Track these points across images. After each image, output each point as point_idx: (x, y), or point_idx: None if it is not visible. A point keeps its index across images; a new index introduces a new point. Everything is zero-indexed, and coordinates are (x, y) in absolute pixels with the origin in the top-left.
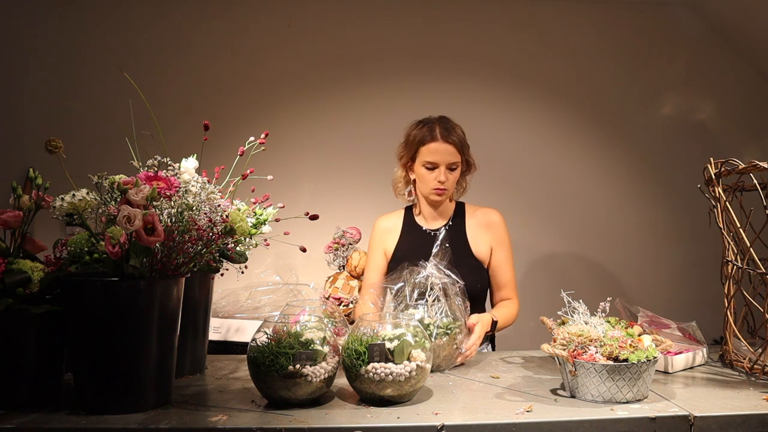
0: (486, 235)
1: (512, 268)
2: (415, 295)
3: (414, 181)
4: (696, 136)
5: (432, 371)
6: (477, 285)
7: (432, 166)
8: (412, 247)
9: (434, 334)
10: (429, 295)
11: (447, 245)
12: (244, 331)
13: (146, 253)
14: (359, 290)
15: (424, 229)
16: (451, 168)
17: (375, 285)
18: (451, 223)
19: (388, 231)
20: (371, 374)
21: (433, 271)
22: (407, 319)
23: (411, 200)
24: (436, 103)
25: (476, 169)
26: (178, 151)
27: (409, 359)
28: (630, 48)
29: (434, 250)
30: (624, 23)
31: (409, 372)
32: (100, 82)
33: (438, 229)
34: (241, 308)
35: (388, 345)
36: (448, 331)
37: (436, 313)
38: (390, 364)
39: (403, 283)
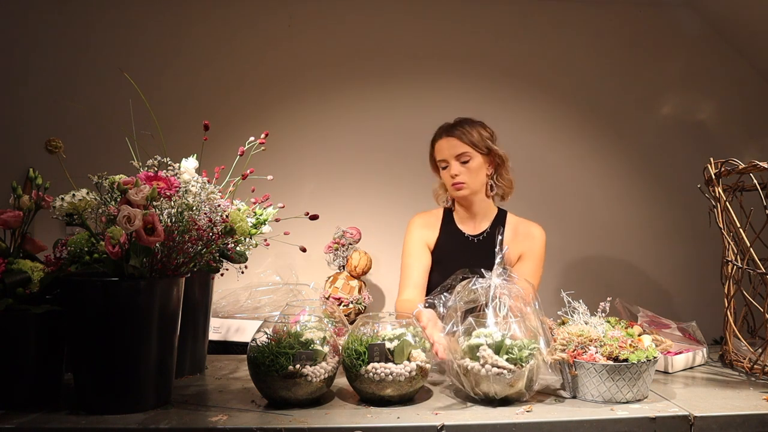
0: (520, 245)
1: (536, 284)
2: (461, 305)
3: None
4: (696, 136)
5: (509, 401)
6: None
7: (444, 165)
8: (452, 247)
9: (518, 357)
10: (491, 308)
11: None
12: (244, 331)
13: (146, 253)
14: (359, 290)
15: (464, 233)
16: (462, 161)
17: (420, 285)
18: (488, 230)
19: (427, 227)
20: (371, 374)
21: (497, 281)
22: (484, 337)
23: (444, 203)
24: (436, 103)
25: (507, 160)
26: (178, 151)
27: (409, 359)
28: (630, 47)
29: (497, 259)
30: (624, 23)
31: (409, 372)
32: (100, 82)
33: (478, 235)
34: (241, 308)
35: (388, 345)
36: (531, 351)
37: (506, 330)
38: (390, 364)
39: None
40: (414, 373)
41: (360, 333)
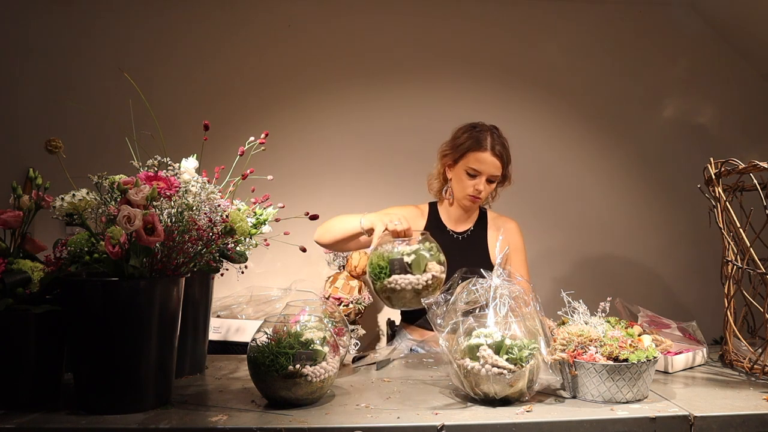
0: (502, 241)
1: (527, 274)
2: (461, 305)
3: (450, 180)
4: (696, 137)
5: (510, 401)
6: None
7: (474, 174)
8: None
9: (521, 357)
10: (491, 308)
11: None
12: (244, 331)
13: (146, 253)
14: (359, 290)
15: (448, 230)
16: (490, 180)
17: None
18: (473, 228)
19: (416, 215)
20: (393, 285)
21: (497, 281)
22: (485, 338)
23: (448, 198)
24: (437, 102)
25: (510, 183)
26: (178, 151)
27: (425, 270)
28: (631, 49)
29: (498, 260)
30: (625, 24)
31: (426, 281)
32: (99, 82)
33: (463, 233)
34: (242, 309)
35: (406, 259)
36: (531, 351)
37: (506, 330)
38: (409, 275)
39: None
40: (431, 282)
41: (382, 250)
